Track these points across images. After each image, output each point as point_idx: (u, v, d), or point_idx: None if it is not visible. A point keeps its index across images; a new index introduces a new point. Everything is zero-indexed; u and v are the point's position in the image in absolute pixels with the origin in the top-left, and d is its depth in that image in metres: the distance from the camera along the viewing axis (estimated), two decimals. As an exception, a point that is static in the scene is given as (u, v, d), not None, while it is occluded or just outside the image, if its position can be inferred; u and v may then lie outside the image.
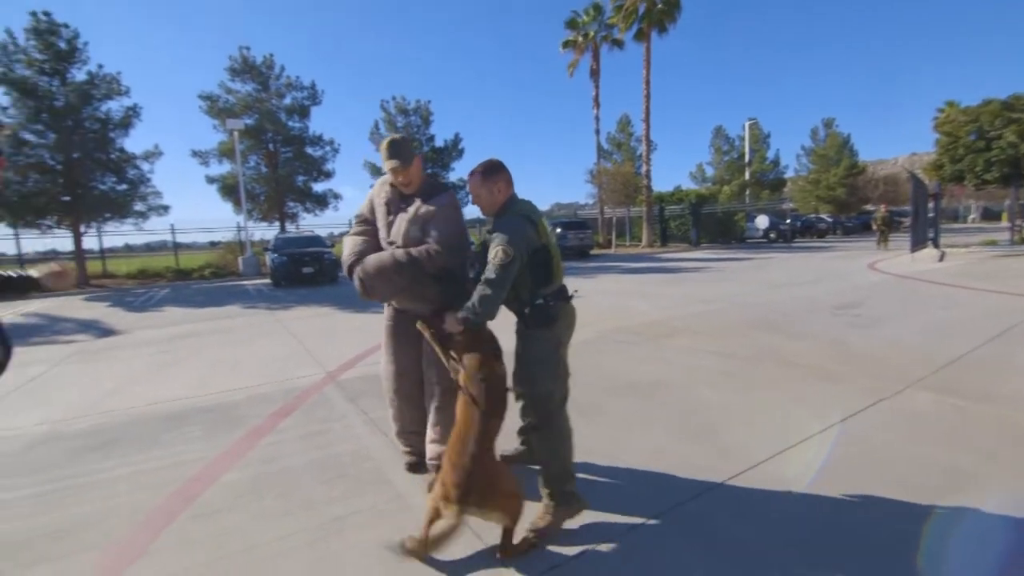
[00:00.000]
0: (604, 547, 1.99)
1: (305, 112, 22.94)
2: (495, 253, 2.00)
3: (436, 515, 1.91)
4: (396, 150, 2.36)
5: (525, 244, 2.03)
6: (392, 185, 2.52)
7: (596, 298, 8.57)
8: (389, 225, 2.49)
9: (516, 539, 1.97)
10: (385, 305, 2.65)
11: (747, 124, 38.10)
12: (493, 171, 2.20)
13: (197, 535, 2.19)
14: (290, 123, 22.71)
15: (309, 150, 23.26)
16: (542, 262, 2.11)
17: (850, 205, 40.73)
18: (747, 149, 38.71)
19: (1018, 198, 15.97)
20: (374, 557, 1.97)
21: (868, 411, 3.24)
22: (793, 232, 25.44)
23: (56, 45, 17.12)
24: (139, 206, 18.48)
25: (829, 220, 32.60)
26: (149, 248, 26.07)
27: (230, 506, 2.41)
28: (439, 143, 24.70)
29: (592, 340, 5.48)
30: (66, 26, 17.42)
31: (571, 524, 2.12)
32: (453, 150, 25.26)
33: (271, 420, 3.55)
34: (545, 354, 2.14)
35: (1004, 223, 35.60)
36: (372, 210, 2.61)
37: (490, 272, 1.99)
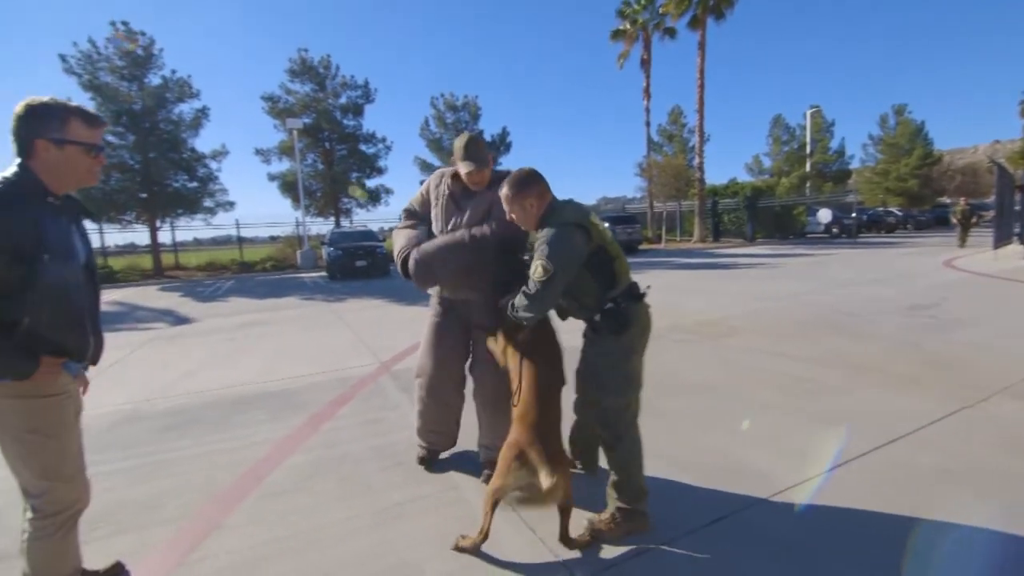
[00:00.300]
0: (662, 549, 1.94)
1: (359, 110, 23.63)
2: (535, 268, 1.89)
3: (494, 506, 1.93)
4: (473, 152, 2.31)
5: (570, 256, 1.88)
6: (454, 178, 2.46)
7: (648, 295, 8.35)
8: (448, 218, 2.42)
9: (572, 532, 1.96)
10: (433, 300, 2.62)
11: (809, 112, 36.11)
12: (520, 186, 2.01)
13: (267, 513, 2.31)
14: (345, 121, 23.47)
15: (363, 147, 23.96)
16: (602, 264, 1.97)
17: (923, 198, 37.96)
18: (808, 139, 36.73)
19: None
20: (434, 545, 2.01)
21: (948, 420, 3.01)
22: (858, 227, 23.94)
23: (134, 52, 18.38)
24: (208, 202, 19.65)
25: (899, 214, 30.45)
26: (215, 242, 27.67)
27: (296, 487, 2.53)
28: (487, 138, 24.87)
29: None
30: (143, 34, 18.65)
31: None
32: (501, 144, 25.39)
33: (330, 407, 3.69)
34: (616, 363, 2.00)
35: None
36: (423, 204, 2.57)
37: (530, 286, 1.90)
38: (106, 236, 20.30)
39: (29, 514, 1.54)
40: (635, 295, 2.04)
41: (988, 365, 3.99)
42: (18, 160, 1.49)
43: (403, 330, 6.50)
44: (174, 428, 3.44)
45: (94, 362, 1.70)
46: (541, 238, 1.93)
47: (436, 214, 2.49)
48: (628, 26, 25.43)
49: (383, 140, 24.25)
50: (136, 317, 9.16)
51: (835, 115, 44.64)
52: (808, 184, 34.88)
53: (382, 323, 7.24)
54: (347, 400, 3.85)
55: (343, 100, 23.42)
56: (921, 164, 37.46)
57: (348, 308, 8.89)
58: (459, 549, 1.95)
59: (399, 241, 2.51)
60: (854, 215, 23.54)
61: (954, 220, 16.98)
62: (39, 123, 1.49)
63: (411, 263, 2.36)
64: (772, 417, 3.16)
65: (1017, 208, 13.24)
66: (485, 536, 1.93)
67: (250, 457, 2.90)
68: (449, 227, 2.41)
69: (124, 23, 18.35)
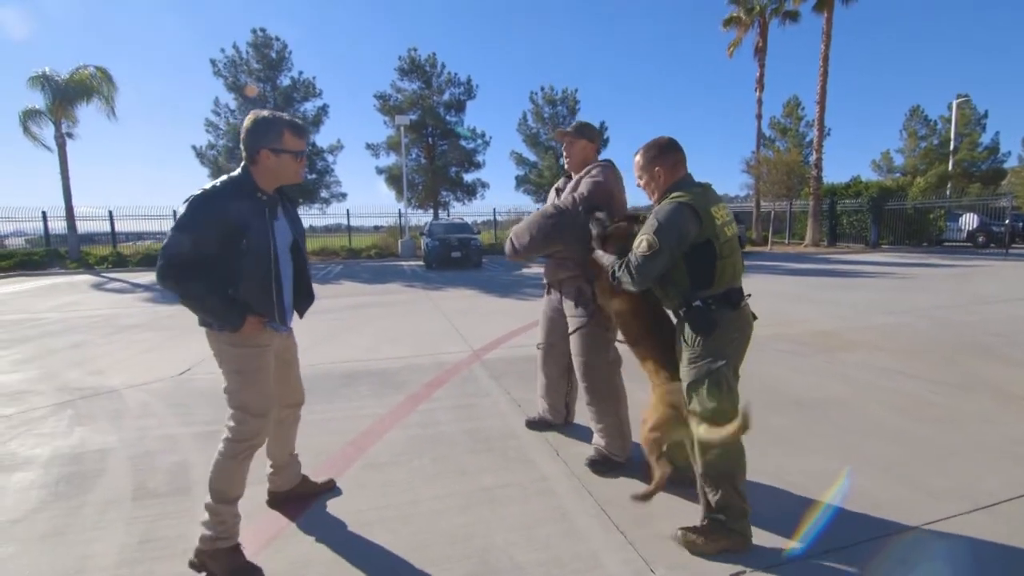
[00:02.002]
0: (762, 574, 1.82)
1: (461, 107, 24.47)
2: (639, 242, 1.88)
3: (659, 453, 2.02)
4: (579, 125, 2.70)
5: (678, 238, 1.81)
6: (567, 177, 2.80)
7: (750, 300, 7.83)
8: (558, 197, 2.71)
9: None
10: (546, 293, 2.89)
11: (954, 103, 31.51)
12: (654, 150, 2.00)
13: (368, 482, 2.49)
14: (447, 117, 24.40)
15: (463, 143, 24.78)
16: (704, 259, 1.85)
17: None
18: (953, 133, 32.13)
19: None
20: (520, 532, 2.05)
21: None
22: (1011, 236, 20.46)
23: (269, 56, 20.45)
24: (324, 193, 21.45)
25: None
26: (327, 230, 30.12)
27: (395, 461, 2.70)
28: (585, 133, 24.62)
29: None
30: (277, 39, 20.69)
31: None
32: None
33: (426, 389, 3.88)
34: (703, 368, 1.87)
35: None
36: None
37: (633, 259, 1.90)
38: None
39: (225, 434, 1.90)
40: (732, 302, 1.89)
41: None
42: (243, 164, 1.90)
43: (493, 321, 6.66)
44: (291, 396, 3.81)
45: (300, 315, 2.20)
46: (653, 213, 1.90)
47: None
48: (742, 12, 23.80)
49: (482, 135, 24.92)
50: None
51: (988, 105, 38.38)
52: (950, 185, 30.51)
53: (474, 312, 7.47)
54: (442, 383, 4.02)
55: (447, 97, 24.36)
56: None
57: (443, 296, 9.27)
58: (637, 498, 2.03)
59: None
60: (1007, 222, 20.20)
61: None
62: (263, 135, 1.86)
63: (507, 239, 2.70)
64: (896, 443, 2.83)
65: None
66: (660, 484, 1.99)
67: (354, 428, 3.14)
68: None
69: (262, 30, 20.47)
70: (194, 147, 20.40)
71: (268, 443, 2.17)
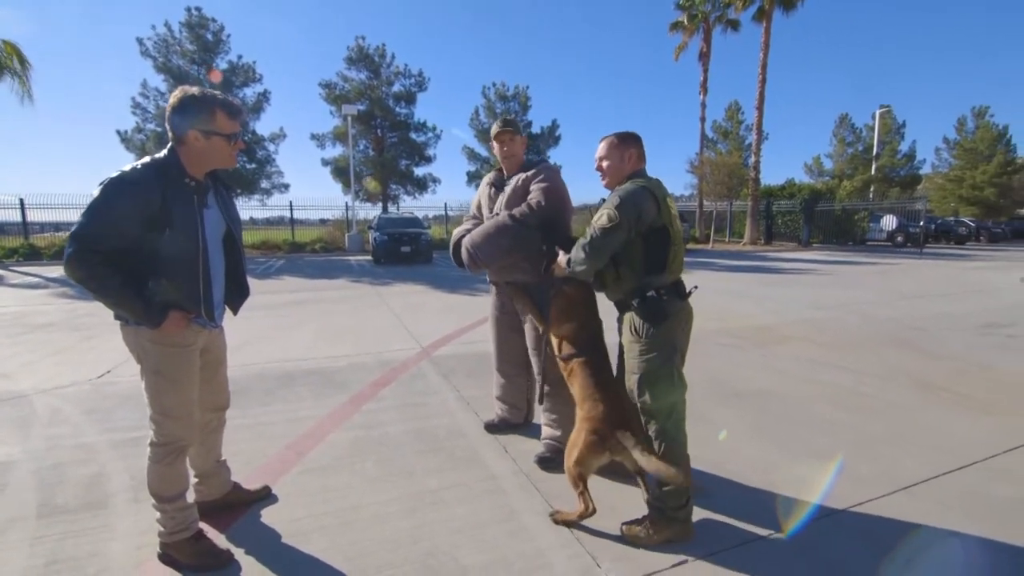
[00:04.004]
0: (704, 562, 1.86)
1: (412, 99, 23.96)
2: (599, 215, 1.87)
3: (582, 483, 1.97)
4: (507, 122, 2.64)
5: (637, 215, 1.84)
6: (498, 172, 2.76)
7: (693, 296, 8.10)
8: (491, 205, 2.65)
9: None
10: (491, 294, 2.82)
11: (878, 112, 33.97)
12: (629, 138, 2.06)
13: (307, 488, 2.36)
14: (397, 109, 23.85)
15: (413, 135, 24.31)
16: (659, 245, 1.89)
17: (1000, 209, 35.20)
18: (876, 140, 34.62)
19: None
20: (467, 534, 2.00)
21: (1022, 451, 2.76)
22: (926, 236, 22.32)
23: (204, 37, 19.25)
24: (265, 184, 20.45)
25: (971, 224, 28.25)
26: (269, 223, 28.81)
27: (336, 465, 2.57)
28: (536, 130, 24.72)
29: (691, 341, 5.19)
30: (213, 20, 19.50)
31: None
32: (550, 136, 25.19)
33: (371, 388, 3.75)
34: (657, 360, 1.90)
35: None
36: (477, 205, 2.82)
37: (591, 234, 1.88)
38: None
39: (150, 437, 1.81)
40: (680, 293, 1.97)
41: (1076, 394, 3.63)
42: (169, 145, 1.74)
43: (444, 316, 6.55)
44: (224, 398, 3.58)
45: (234, 311, 2.08)
46: (614, 192, 1.93)
47: (483, 204, 2.74)
48: (687, 18, 24.59)
49: (433, 129, 24.54)
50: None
51: (907, 116, 41.75)
52: (872, 189, 32.92)
53: (423, 308, 7.33)
54: (388, 382, 3.90)
55: (396, 88, 23.81)
56: (1001, 172, 34.67)
57: (392, 292, 9.04)
58: (558, 521, 2.04)
59: (455, 234, 2.76)
60: (922, 223, 22.01)
61: None
62: (192, 115, 1.70)
63: (463, 249, 2.58)
64: (827, 432, 2.98)
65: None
66: (586, 513, 1.95)
67: (293, 432, 2.98)
68: (492, 212, 2.63)
69: (198, 9, 19.23)
70: (119, 132, 18.94)
71: (191, 451, 2.01)
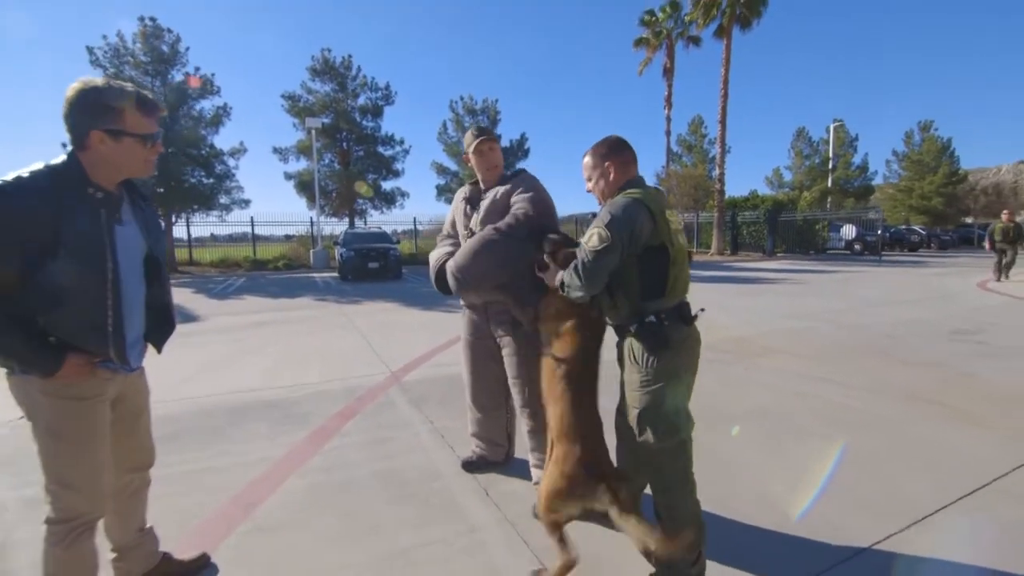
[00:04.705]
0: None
1: (379, 112, 23.59)
2: (589, 235, 1.64)
3: (559, 534, 1.69)
4: (482, 129, 2.37)
5: (631, 232, 1.61)
6: (472, 185, 2.51)
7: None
8: (467, 221, 2.40)
9: None
10: (464, 317, 2.53)
11: (832, 126, 35.46)
12: (608, 147, 1.81)
13: (254, 552, 2.01)
14: (364, 122, 23.43)
15: (380, 149, 23.89)
16: (656, 266, 1.65)
17: (947, 217, 37.09)
18: (831, 153, 36.04)
19: None
20: (445, 605, 1.70)
21: (1034, 467, 2.63)
22: (882, 244, 23.23)
23: (159, 48, 18.48)
24: (224, 199, 19.65)
25: (922, 232, 29.64)
26: (231, 239, 27.73)
27: (290, 521, 2.22)
28: (505, 143, 24.67)
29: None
30: (169, 31, 18.75)
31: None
32: (519, 150, 25.17)
33: (335, 421, 3.40)
34: (660, 394, 1.65)
35: None
36: (451, 223, 2.56)
37: (582, 257, 1.65)
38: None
39: (46, 511, 1.46)
40: (685, 317, 1.71)
41: (1062, 403, 3.58)
42: (69, 149, 1.41)
43: (414, 336, 6.21)
44: (164, 440, 3.14)
45: (157, 349, 1.72)
46: (604, 207, 1.70)
47: (457, 221, 2.48)
48: (651, 34, 25.13)
49: (401, 143, 24.19)
50: (144, 313, 8.96)
51: (859, 130, 43.76)
52: (829, 199, 34.18)
53: (393, 328, 6.96)
54: (353, 413, 3.55)
55: (362, 101, 23.41)
56: (946, 182, 36.58)
57: (359, 311, 8.63)
58: None
59: (432, 257, 2.50)
60: (879, 232, 22.83)
61: (988, 244, 12.06)
62: (95, 113, 1.38)
63: (448, 273, 2.29)
64: (828, 455, 2.79)
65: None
66: (568, 565, 1.66)
67: (241, 479, 2.60)
68: (468, 229, 2.36)
69: (152, 19, 18.48)
70: (64, 145, 17.88)
71: (106, 520, 1.64)
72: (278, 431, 3.27)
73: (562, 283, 1.76)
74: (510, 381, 2.34)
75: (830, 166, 36.10)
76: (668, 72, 25.70)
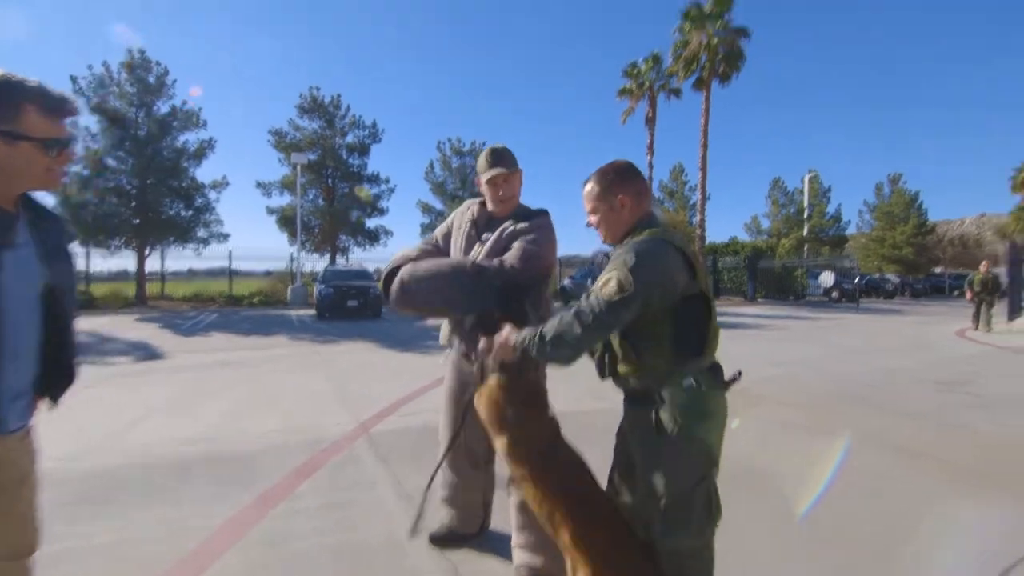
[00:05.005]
0: None
1: (365, 150, 23.77)
2: (606, 281, 1.33)
3: None
4: (499, 156, 2.06)
5: (661, 283, 1.33)
6: (482, 205, 2.18)
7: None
8: (468, 248, 2.11)
9: None
10: (449, 361, 2.22)
11: (807, 177, 36.79)
12: (614, 175, 1.52)
13: (169, 655, 1.65)
14: (350, 160, 23.53)
15: (366, 187, 23.90)
16: (694, 318, 1.38)
17: (918, 266, 38.25)
18: (806, 203, 37.23)
19: None
20: None
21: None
22: (858, 292, 23.73)
23: (146, 80, 18.48)
24: (202, 232, 19.28)
25: (896, 280, 30.45)
26: (211, 273, 27.13)
27: (219, 610, 1.87)
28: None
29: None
30: (158, 63, 18.84)
31: None
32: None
33: (289, 480, 3.04)
34: (691, 479, 1.36)
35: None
36: (445, 235, 2.26)
37: (590, 304, 1.32)
38: (96, 261, 19.83)
39: None
40: (720, 380, 1.44)
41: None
42: None
43: (388, 380, 5.87)
44: (91, 500, 2.77)
45: (53, 401, 1.41)
46: (627, 246, 1.41)
47: (456, 242, 2.19)
48: (634, 85, 26.05)
49: (386, 181, 24.28)
50: (102, 349, 8.47)
51: (832, 181, 45.56)
52: (806, 247, 35.06)
53: (367, 370, 6.61)
54: (312, 470, 3.20)
55: (350, 139, 23.59)
56: (916, 233, 37.92)
57: (333, 351, 8.26)
58: None
59: (394, 258, 2.17)
60: (857, 280, 23.32)
61: (969, 294, 11.90)
62: None
63: (398, 277, 1.99)
64: (829, 523, 2.54)
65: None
66: None
67: (172, 551, 2.24)
68: (461, 253, 2.12)
69: (141, 51, 18.55)
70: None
71: None
72: (225, 491, 2.90)
73: (537, 339, 1.40)
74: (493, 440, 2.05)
75: (805, 215, 37.20)
76: (650, 121, 26.49)
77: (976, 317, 11.67)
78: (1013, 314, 12.22)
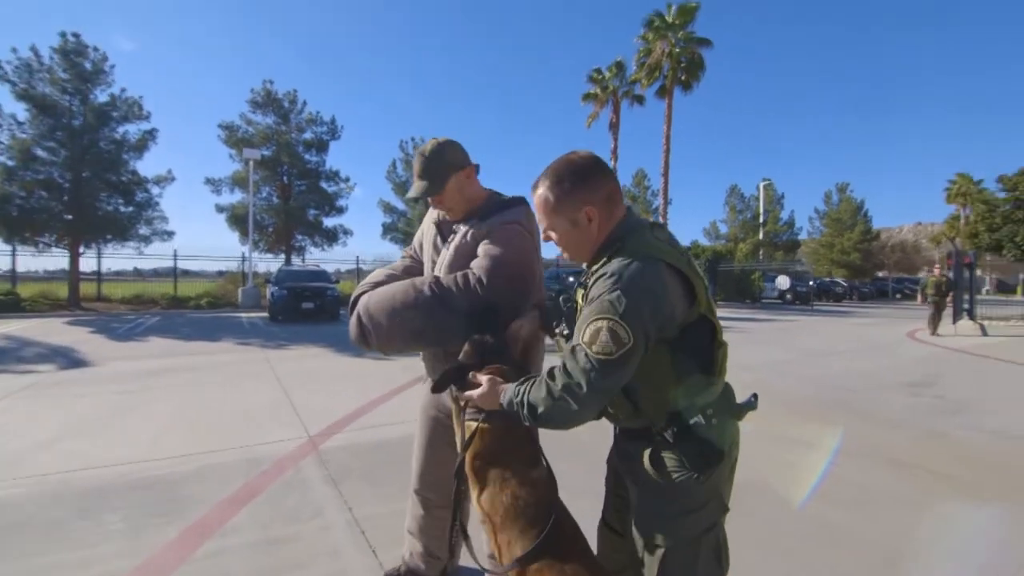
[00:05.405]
0: None
1: (324, 146, 22.88)
2: (591, 332, 1.02)
3: None
4: (421, 167, 1.67)
5: (660, 318, 1.04)
6: None
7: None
8: (436, 253, 1.76)
9: None
10: (425, 380, 1.88)
11: (762, 184, 38.05)
12: (569, 177, 1.14)
13: None
14: (307, 156, 22.62)
15: (324, 184, 23.04)
16: (699, 347, 1.11)
17: (864, 271, 40.11)
18: (761, 209, 38.46)
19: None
20: None
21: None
22: (811, 295, 24.63)
23: (81, 66, 17.14)
24: (143, 230, 18.03)
25: (845, 284, 31.83)
26: (157, 274, 25.53)
27: None
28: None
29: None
30: (96, 48, 17.52)
31: None
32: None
33: (221, 510, 2.61)
34: (700, 525, 1.12)
35: (1019, 296, 34.71)
36: (420, 243, 1.94)
37: (581, 368, 1.02)
38: (28, 260, 18.29)
39: None
40: (732, 409, 1.17)
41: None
42: None
43: (343, 388, 5.43)
44: (-31, 544, 2.28)
45: None
46: (605, 277, 1.06)
47: (425, 247, 1.87)
48: (599, 91, 26.21)
49: (346, 180, 23.46)
50: (21, 356, 7.61)
51: (785, 188, 47.34)
52: (761, 252, 36.21)
53: (320, 377, 6.13)
54: (250, 497, 2.78)
55: (307, 135, 22.65)
56: (862, 239, 39.74)
57: (284, 356, 7.69)
58: None
59: (359, 286, 1.81)
60: (811, 283, 24.16)
61: (921, 297, 11.79)
62: None
63: (351, 321, 1.64)
64: (831, 541, 2.34)
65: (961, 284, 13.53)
66: None
67: (61, 613, 1.81)
68: (431, 262, 1.78)
69: (75, 35, 17.20)
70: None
71: None
72: (143, 525, 2.46)
73: (525, 410, 1.11)
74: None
75: (761, 221, 38.43)
76: (614, 127, 26.70)
77: (932, 320, 11.80)
78: (957, 317, 12.75)
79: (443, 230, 1.78)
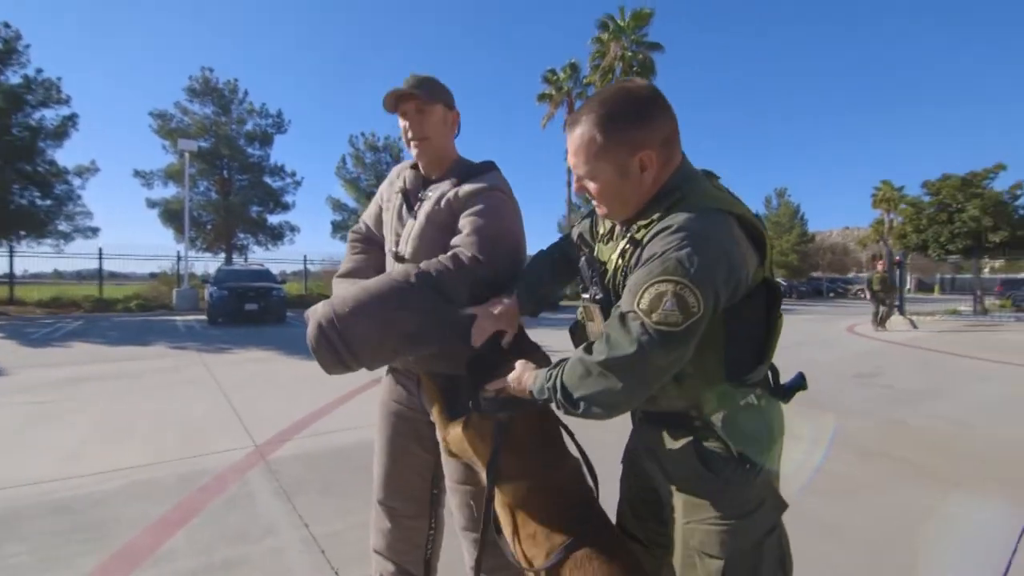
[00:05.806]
0: None
1: (268, 139, 21.82)
2: (655, 298, 0.81)
3: None
4: (417, 80, 1.40)
5: (728, 282, 0.85)
6: (415, 168, 1.54)
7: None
8: (401, 226, 1.48)
9: None
10: (387, 377, 1.62)
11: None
12: (630, 116, 0.91)
13: None
14: (250, 150, 21.47)
15: (268, 180, 21.96)
16: (758, 315, 0.95)
17: (802, 271, 42.47)
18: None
19: (979, 270, 16.49)
20: None
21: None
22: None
23: (-11, 45, 15.50)
24: (63, 225, 16.52)
25: (784, 284, 33.57)
26: (81, 277, 23.43)
27: None
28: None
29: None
30: (7, 25, 15.89)
31: None
32: (422, 191, 24.52)
33: (154, 533, 2.26)
34: (760, 528, 0.95)
35: (935, 295, 37.89)
36: (376, 216, 1.65)
37: (635, 337, 0.82)
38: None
39: None
40: (779, 388, 1.01)
41: (1003, 450, 3.49)
42: None
43: (292, 394, 5.04)
44: None
45: None
46: (671, 228, 0.85)
47: (388, 225, 1.56)
48: (553, 91, 26.36)
49: (292, 175, 22.45)
50: (-90, 365, 6.67)
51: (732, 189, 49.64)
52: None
53: (267, 383, 5.69)
54: (188, 517, 2.43)
55: (249, 127, 21.50)
56: (800, 241, 42.06)
57: (225, 361, 7.13)
58: None
59: (332, 289, 1.51)
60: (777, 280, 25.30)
61: (868, 292, 12.40)
62: None
63: (315, 327, 1.20)
64: (829, 534, 2.27)
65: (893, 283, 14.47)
66: None
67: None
68: (397, 238, 1.48)
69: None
70: None
71: None
72: (56, 556, 2.07)
73: (561, 395, 0.91)
74: (447, 484, 1.48)
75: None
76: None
77: (876, 316, 12.11)
78: (889, 313, 13.58)
79: (410, 199, 1.52)
